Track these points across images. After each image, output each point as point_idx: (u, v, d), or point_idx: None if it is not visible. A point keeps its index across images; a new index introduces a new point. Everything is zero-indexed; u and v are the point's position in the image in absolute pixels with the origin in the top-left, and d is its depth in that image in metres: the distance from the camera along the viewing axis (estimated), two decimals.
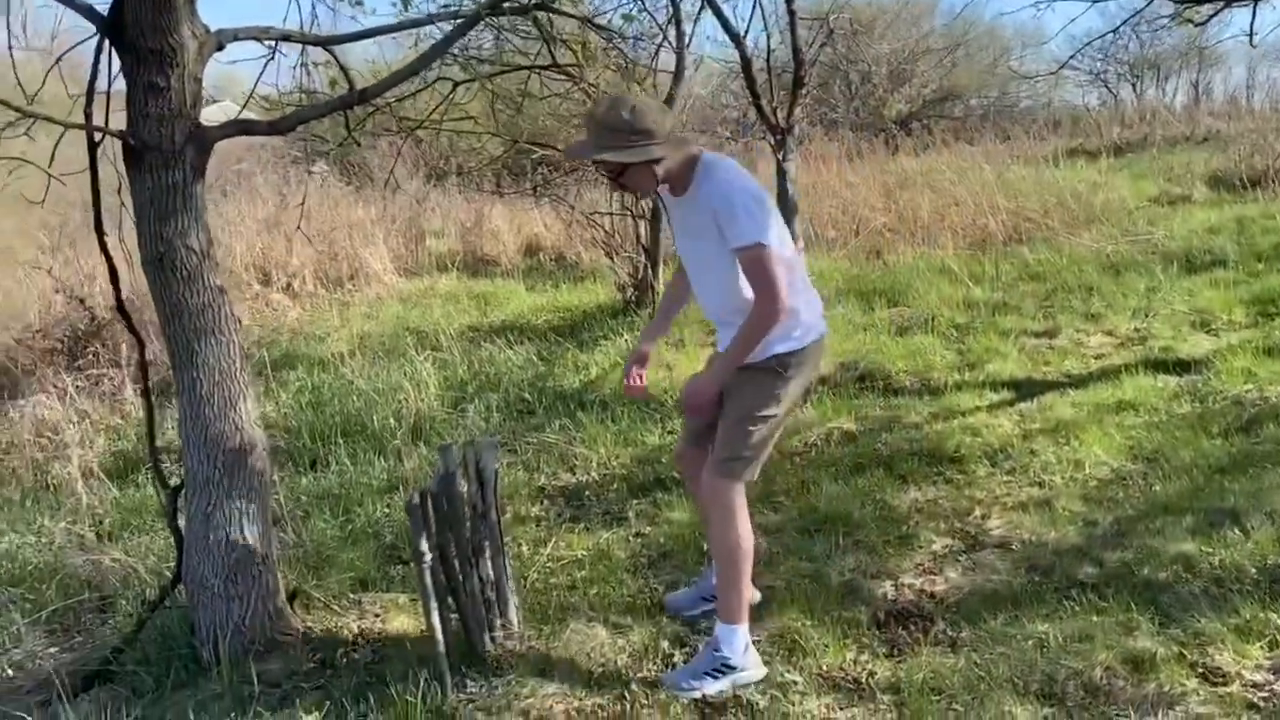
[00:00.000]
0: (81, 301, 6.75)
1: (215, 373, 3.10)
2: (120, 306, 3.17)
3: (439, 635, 2.88)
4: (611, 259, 7.86)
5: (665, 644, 3.18)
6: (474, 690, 2.94)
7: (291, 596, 3.29)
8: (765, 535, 3.86)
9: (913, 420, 4.94)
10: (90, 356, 6.86)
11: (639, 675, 3.01)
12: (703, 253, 2.85)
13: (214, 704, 2.90)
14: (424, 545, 2.83)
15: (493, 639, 3.12)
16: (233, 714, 2.84)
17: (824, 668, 3.01)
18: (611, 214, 7.80)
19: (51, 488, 4.80)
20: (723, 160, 2.84)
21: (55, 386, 6.28)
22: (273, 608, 3.17)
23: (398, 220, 11.07)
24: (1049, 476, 4.18)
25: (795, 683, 2.95)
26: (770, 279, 2.68)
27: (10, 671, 3.34)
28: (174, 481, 3.28)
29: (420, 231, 11.06)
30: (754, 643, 3.09)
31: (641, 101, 2.72)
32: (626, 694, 2.92)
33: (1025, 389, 5.25)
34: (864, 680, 2.95)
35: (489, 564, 3.09)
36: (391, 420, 5.18)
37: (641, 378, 3.14)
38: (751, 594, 3.17)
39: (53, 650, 3.44)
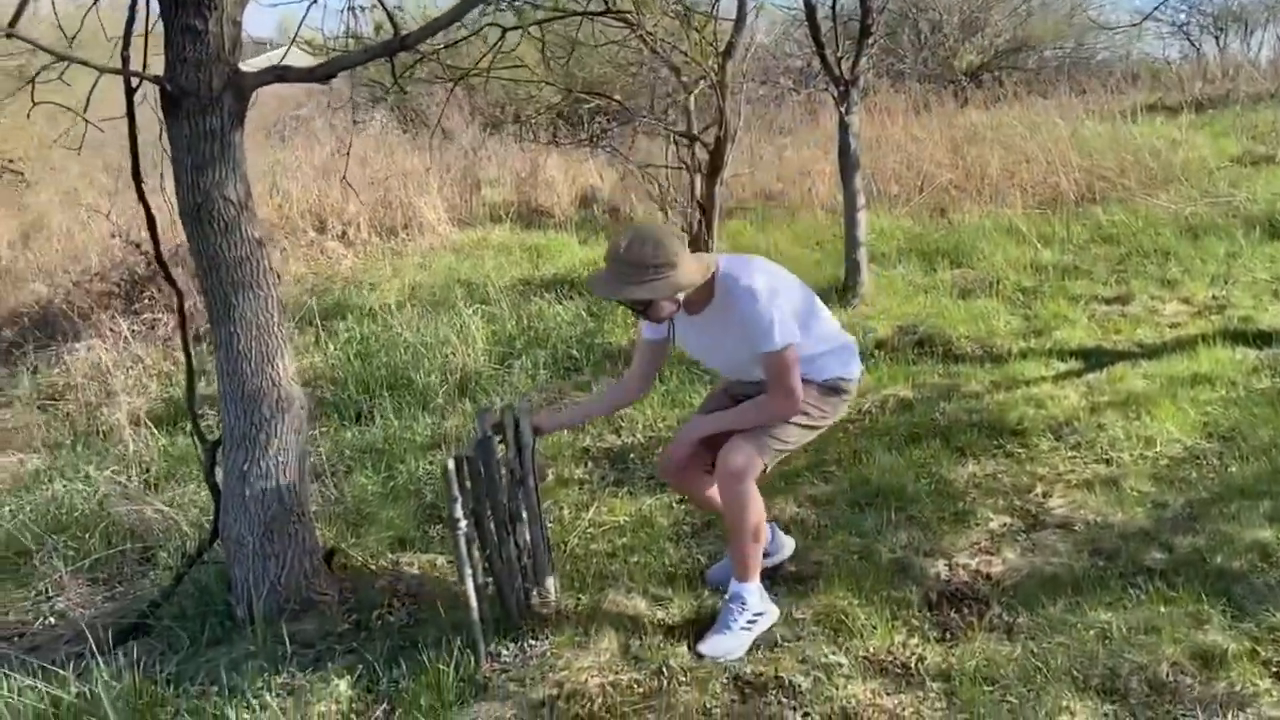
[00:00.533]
0: (137, 246, 6.76)
1: (253, 327, 3.03)
2: (158, 257, 3.11)
3: (473, 603, 2.81)
4: (665, 213, 7.69)
5: (705, 617, 3.07)
6: (508, 660, 2.87)
7: (329, 555, 3.25)
8: (814, 507, 3.74)
9: (973, 389, 4.75)
10: (146, 301, 6.91)
11: (678, 649, 2.92)
12: (732, 358, 2.98)
13: (247, 663, 2.86)
14: (459, 512, 2.75)
15: (529, 607, 3.05)
16: (265, 674, 2.81)
17: (871, 650, 2.89)
18: (666, 167, 7.61)
19: (101, 434, 4.83)
20: (736, 268, 2.86)
21: (111, 331, 6.33)
22: (309, 566, 3.13)
23: (453, 169, 10.98)
24: (1117, 453, 3.98)
25: (840, 665, 2.83)
26: (790, 379, 2.84)
27: (52, 620, 3.35)
28: (213, 436, 3.24)
29: (475, 181, 10.96)
30: (798, 620, 3.01)
31: (660, 233, 2.78)
32: (664, 670, 2.83)
33: (1094, 359, 5.02)
34: (913, 665, 2.83)
35: (526, 531, 3.00)
36: (437, 375, 5.12)
37: None
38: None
39: (95, 599, 3.44)
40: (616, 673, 2.83)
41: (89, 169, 11.53)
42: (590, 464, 4.26)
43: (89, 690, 2.67)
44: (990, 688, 2.69)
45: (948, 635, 2.96)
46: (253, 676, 2.81)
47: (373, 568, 3.38)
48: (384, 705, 2.72)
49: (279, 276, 3.14)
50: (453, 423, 4.59)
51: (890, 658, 2.86)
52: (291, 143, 11.81)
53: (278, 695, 2.74)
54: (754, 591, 2.99)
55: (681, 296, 2.81)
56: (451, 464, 2.73)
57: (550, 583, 3.12)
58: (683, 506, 3.81)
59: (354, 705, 2.73)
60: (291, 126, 12.84)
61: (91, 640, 2.85)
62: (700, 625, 3.03)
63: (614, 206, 10.09)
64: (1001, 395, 4.62)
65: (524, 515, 3.01)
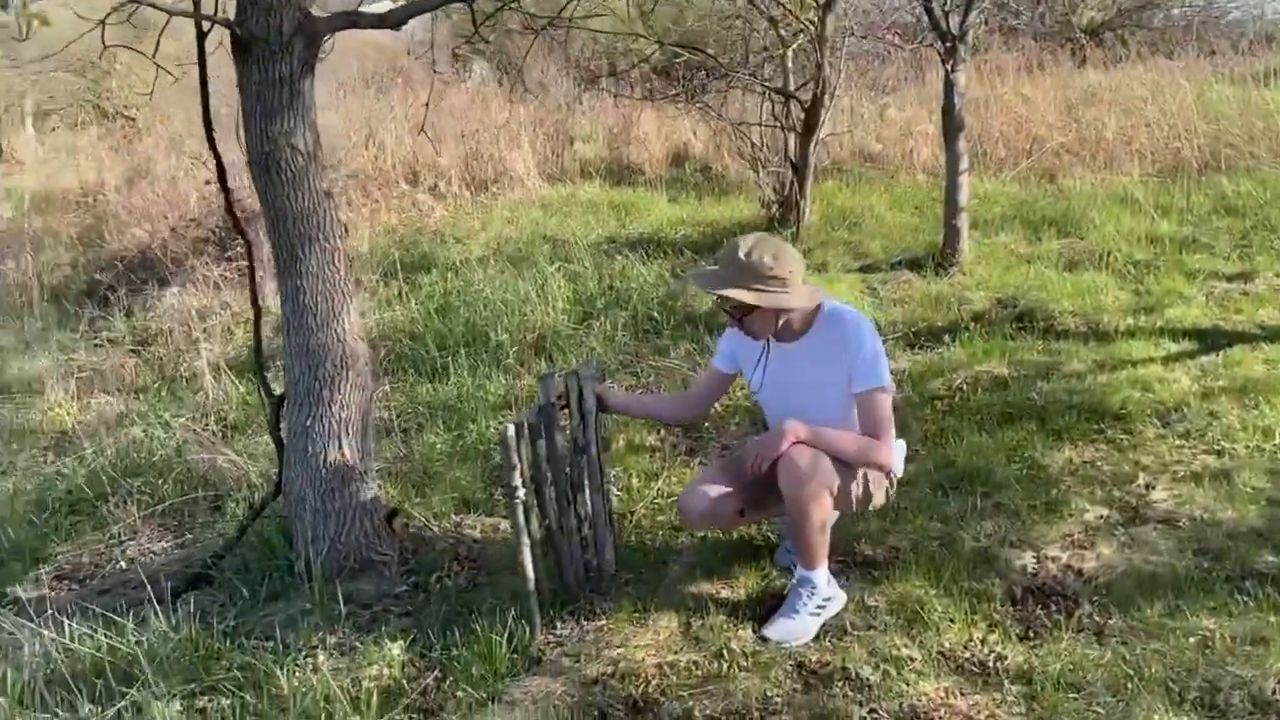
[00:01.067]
0: (229, 194, 6.82)
1: (319, 281, 2.98)
2: (229, 207, 3.08)
3: (529, 574, 2.72)
4: (757, 172, 7.46)
5: (772, 601, 2.93)
6: (563, 633, 2.79)
7: (390, 515, 3.20)
8: (896, 488, 3.54)
9: (1074, 368, 4.46)
10: (239, 249, 6.99)
11: (741, 632, 2.79)
12: (808, 399, 2.83)
13: (302, 620, 2.84)
14: (516, 480, 2.66)
15: (588, 580, 2.95)
16: (320, 633, 2.78)
17: (946, 645, 2.71)
18: (760, 125, 7.37)
19: (184, 380, 4.89)
20: (848, 306, 2.90)
21: (204, 277, 6.43)
22: (369, 526, 3.08)
23: (546, 123, 10.88)
24: (1230, 444, 3.68)
25: (912, 659, 2.67)
26: (890, 426, 2.81)
27: (123, 564, 3.39)
28: (281, 390, 3.20)
29: (568, 136, 10.85)
30: (870, 607, 2.86)
31: (783, 248, 2.74)
32: (725, 652, 2.71)
33: (1210, 340, 4.66)
34: (991, 664, 2.64)
35: (587, 501, 2.90)
36: (515, 333, 5.04)
37: None
38: None
39: (165, 545, 3.48)
40: (675, 653, 2.72)
41: (194, 116, 11.75)
42: (663, 431, 4.13)
43: (146, 640, 2.67)
44: (1074, 694, 2.50)
45: (1031, 634, 2.76)
46: (307, 635, 2.78)
47: (435, 529, 3.33)
48: (435, 672, 2.66)
49: (347, 229, 3.06)
50: (526, 383, 4.52)
51: (967, 654, 2.69)
52: (389, 95, 11.84)
53: (331, 655, 2.71)
54: (823, 576, 2.84)
55: (782, 319, 2.78)
56: (511, 430, 2.63)
57: (611, 555, 3.01)
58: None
59: (406, 670, 2.67)
60: (389, 77, 12.86)
61: (151, 590, 2.86)
62: (766, 607, 2.90)
63: (706, 165, 9.87)
64: (1105, 376, 4.33)
65: (586, 486, 2.90)
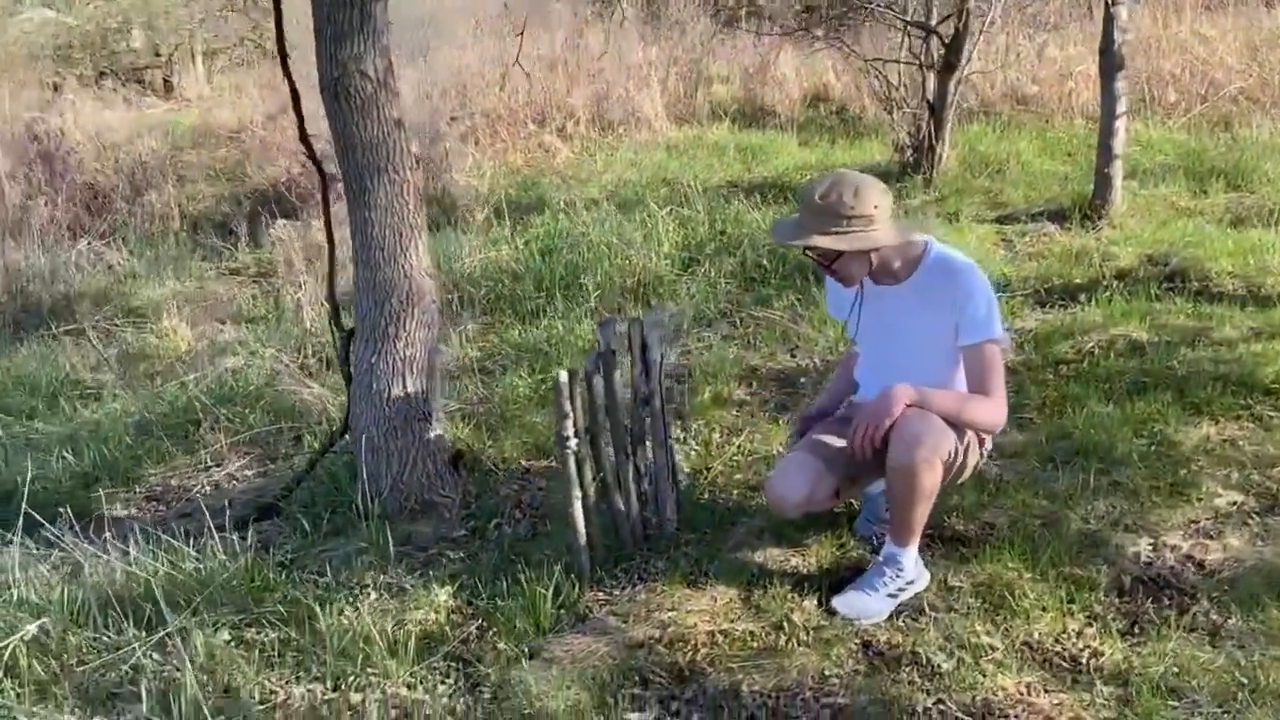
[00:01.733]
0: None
1: (387, 214, 2.89)
2: (302, 135, 3.02)
3: (580, 528, 2.60)
4: (891, 113, 7.03)
5: (846, 573, 2.72)
6: (614, 591, 2.65)
7: (457, 457, 3.12)
8: (998, 458, 3.25)
9: (1226, 335, 4.00)
10: None
11: (806, 604, 2.59)
12: (910, 348, 2.62)
13: (357, 558, 2.80)
14: (569, 429, 2.52)
15: (646, 538, 2.80)
16: (371, 572, 2.73)
17: (1034, 635, 2.45)
18: (898, 61, 6.92)
19: (290, 313, 4.95)
20: (958, 252, 2.63)
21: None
22: (432, 467, 3.01)
23: (680, 63, 10.60)
24: None
25: (992, 648, 2.42)
26: (1001, 381, 2.53)
27: (207, 489, 3.44)
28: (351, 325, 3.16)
29: (701, 76, 10.54)
30: (953, 588, 2.64)
31: (864, 181, 2.47)
32: (786, 624, 2.52)
33: None
34: (1084, 660, 2.37)
35: (648, 455, 2.74)
36: (614, 277, 4.89)
37: None
38: None
39: (248, 474, 3.51)
40: (730, 621, 2.55)
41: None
42: (755, 384, 3.92)
43: (205, 567, 2.68)
44: (1175, 701, 2.21)
45: (1135, 629, 2.46)
46: (360, 573, 2.74)
47: (501, 474, 3.23)
48: (479, 621, 2.57)
49: (418, 161, 2.96)
50: (621, 328, 4.36)
51: (1058, 648, 2.42)
52: (526, 34, 11.75)
53: (380, 595, 2.66)
54: (912, 556, 2.61)
55: (876, 259, 2.52)
56: (564, 376, 2.49)
57: (672, 513, 2.85)
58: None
59: (451, 617, 2.60)
60: (533, 17, 12.76)
61: (223, 518, 2.87)
62: (838, 579, 2.68)
63: (842, 107, 9.43)
64: (1260, 346, 3.86)
65: (648, 439, 2.74)
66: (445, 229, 6.25)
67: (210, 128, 10.19)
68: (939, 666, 2.37)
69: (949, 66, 6.27)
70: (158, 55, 15.07)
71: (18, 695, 2.23)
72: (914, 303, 2.60)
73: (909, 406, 2.45)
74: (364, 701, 2.30)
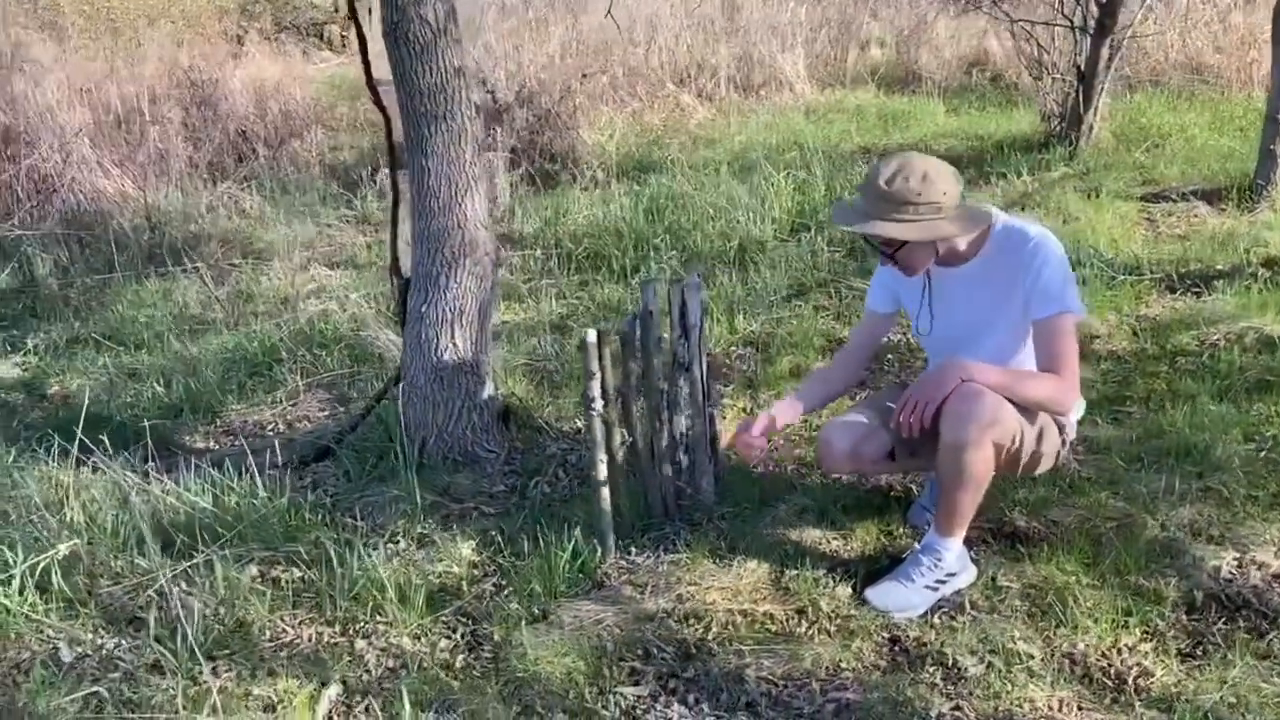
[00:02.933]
0: (483, 83, 6.97)
1: (443, 162, 2.87)
2: (368, 80, 3.01)
3: (604, 493, 2.52)
4: (1039, 80, 6.57)
5: (888, 562, 2.56)
6: (637, 560, 2.57)
7: (506, 413, 3.10)
8: (1081, 450, 2.99)
9: None
10: (489, 138, 7.14)
11: (838, 591, 2.45)
12: (979, 330, 2.43)
13: (391, 506, 2.82)
14: (595, 390, 2.45)
15: (680, 509, 2.71)
16: (404, 520, 2.74)
17: (1079, 647, 2.24)
18: (1049, 24, 6.45)
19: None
20: (1026, 221, 2.42)
21: None
22: (477, 420, 3.00)
23: (831, 24, 10.25)
24: None
25: (1029, 656, 2.22)
26: (1074, 358, 2.31)
27: (281, 426, 3.55)
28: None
29: (853, 37, 10.16)
30: (1001, 588, 2.45)
31: (933, 166, 2.28)
32: (811, 609, 2.39)
33: None
34: (1129, 679, 2.15)
35: (683, 423, 2.64)
36: (715, 240, 4.76)
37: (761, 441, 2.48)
38: None
39: (321, 415, 3.60)
40: (753, 601, 2.43)
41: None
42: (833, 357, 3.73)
43: (248, 503, 2.75)
44: None
45: (1197, 651, 2.22)
46: (391, 520, 2.76)
47: (551, 433, 3.19)
48: (496, 578, 2.55)
49: (479, 110, 2.92)
50: (711, 293, 4.25)
51: (1103, 662, 2.20)
52: None
53: (409, 545, 2.67)
54: (954, 549, 2.42)
55: (943, 248, 2.37)
56: (592, 335, 2.41)
57: (709, 485, 2.74)
58: None
59: (472, 571, 2.58)
60: None
61: (270, 456, 2.94)
62: (878, 568, 2.53)
63: (998, 73, 8.90)
64: None
65: (684, 407, 2.64)
66: (563, 185, 6.25)
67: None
68: (965, 670, 2.20)
69: (1103, 29, 5.79)
70: (336, 10, 15.64)
71: (46, 610, 2.34)
72: (981, 281, 2.41)
73: (964, 382, 2.27)
74: (367, 648, 2.30)
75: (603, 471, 2.51)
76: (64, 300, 4.90)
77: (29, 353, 4.27)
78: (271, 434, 3.50)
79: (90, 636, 2.31)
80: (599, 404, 2.46)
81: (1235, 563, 2.48)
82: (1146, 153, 6.18)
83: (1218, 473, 2.80)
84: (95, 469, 2.84)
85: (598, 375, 2.44)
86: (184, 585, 2.45)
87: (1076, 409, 2.52)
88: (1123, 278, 4.22)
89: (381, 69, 2.98)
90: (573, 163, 6.73)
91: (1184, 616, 2.32)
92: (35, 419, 3.68)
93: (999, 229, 2.39)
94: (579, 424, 3.27)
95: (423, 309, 2.93)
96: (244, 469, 2.89)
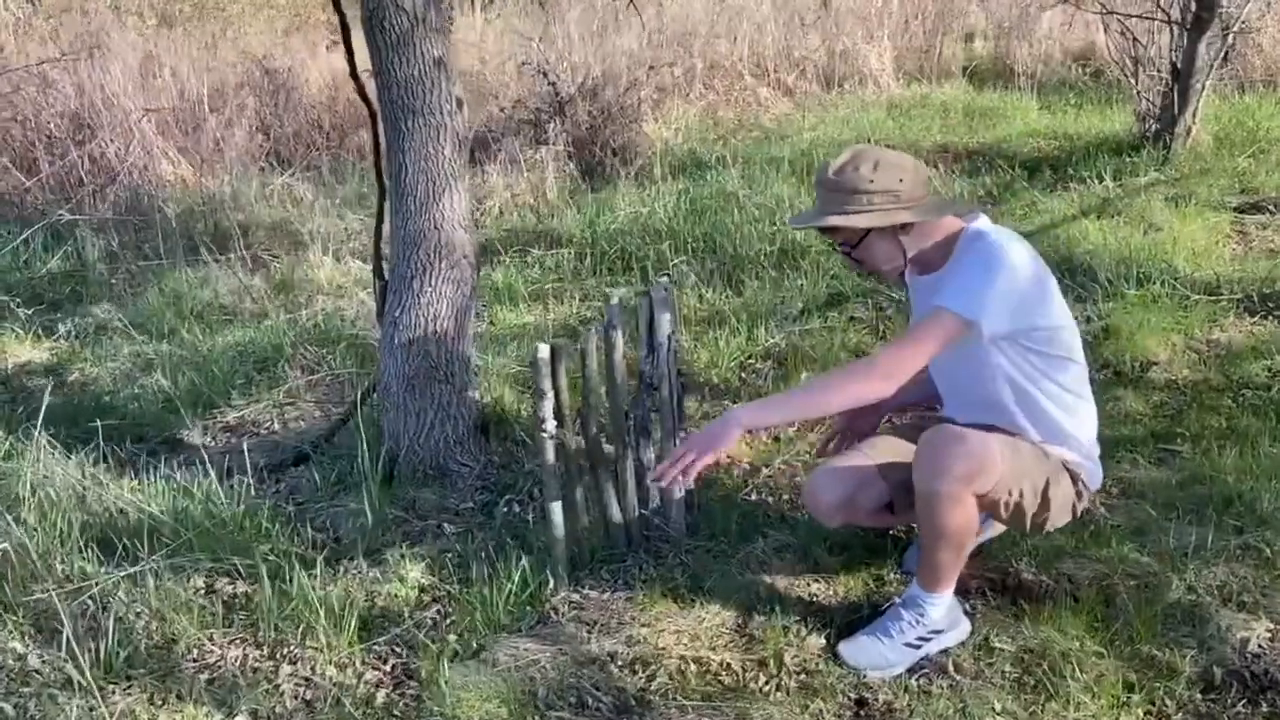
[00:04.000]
0: (544, 75, 6.84)
1: (420, 159, 2.72)
2: (352, 71, 2.88)
3: (556, 520, 2.34)
4: (1135, 77, 6.09)
5: (869, 611, 2.31)
6: (588, 594, 2.38)
7: (485, 425, 2.94)
8: (1112, 494, 2.67)
9: None
10: (553, 133, 7.00)
11: (810, 641, 2.22)
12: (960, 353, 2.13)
13: (351, 519, 2.69)
14: (547, 410, 2.26)
15: (646, 541, 2.50)
16: (356, 537, 2.60)
17: None
18: (1144, 18, 5.97)
19: None
20: (1000, 230, 2.14)
21: (508, 157, 6.52)
22: (451, 432, 2.85)
23: (926, 14, 9.79)
24: None
25: None
26: (902, 349, 2.04)
27: (278, 427, 3.46)
28: None
29: (949, 29, 9.68)
30: (994, 649, 2.19)
31: (888, 155, 2.10)
32: (774, 662, 2.16)
33: None
34: None
35: (654, 449, 2.43)
36: (756, 242, 4.52)
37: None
38: None
39: (317, 415, 3.51)
40: (711, 649, 2.22)
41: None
42: None
43: (203, 509, 2.65)
44: None
45: None
46: (348, 534, 2.63)
47: (533, 448, 3.01)
48: (441, 605, 2.39)
49: (461, 103, 2.76)
50: (741, 300, 4.01)
51: None
52: None
53: (359, 561, 2.53)
54: (940, 604, 2.18)
55: (911, 246, 2.12)
56: (544, 351, 2.22)
57: (680, 516, 2.53)
58: None
59: (421, 596, 2.43)
60: None
61: (249, 457, 2.85)
62: (858, 619, 2.28)
63: (1098, 70, 8.34)
64: None
65: (654, 431, 2.43)
66: (616, 181, 6.07)
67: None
68: None
69: (1200, 23, 5.31)
70: None
71: None
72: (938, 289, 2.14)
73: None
74: (290, 676, 2.17)
75: (555, 499, 2.32)
76: (109, 286, 4.95)
77: (60, 338, 4.30)
78: (266, 432, 3.42)
79: (15, 645, 2.24)
80: (551, 425, 2.27)
81: (1268, 635, 2.17)
82: (1250, 159, 5.66)
83: (1262, 528, 2.46)
84: (63, 464, 2.79)
85: (550, 395, 2.26)
86: (121, 595, 2.35)
87: (1094, 476, 2.24)
88: (1197, 297, 3.82)
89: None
90: (630, 159, 6.54)
91: (1198, 696, 2.03)
92: (51, 406, 3.67)
93: (969, 232, 2.14)
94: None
95: (397, 314, 2.79)
96: (216, 473, 2.80)
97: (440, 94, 2.70)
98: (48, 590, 2.28)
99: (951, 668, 2.15)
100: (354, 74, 2.89)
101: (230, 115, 6.98)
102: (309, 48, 9.11)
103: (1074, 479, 2.20)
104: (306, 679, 2.16)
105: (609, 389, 2.37)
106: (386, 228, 2.90)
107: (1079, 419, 2.20)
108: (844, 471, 2.26)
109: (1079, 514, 2.27)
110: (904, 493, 2.25)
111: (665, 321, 2.37)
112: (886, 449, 2.29)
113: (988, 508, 2.13)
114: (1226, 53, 6.53)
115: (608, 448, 2.38)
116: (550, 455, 2.29)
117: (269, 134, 7.23)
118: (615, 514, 2.43)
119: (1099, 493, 2.59)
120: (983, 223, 2.15)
